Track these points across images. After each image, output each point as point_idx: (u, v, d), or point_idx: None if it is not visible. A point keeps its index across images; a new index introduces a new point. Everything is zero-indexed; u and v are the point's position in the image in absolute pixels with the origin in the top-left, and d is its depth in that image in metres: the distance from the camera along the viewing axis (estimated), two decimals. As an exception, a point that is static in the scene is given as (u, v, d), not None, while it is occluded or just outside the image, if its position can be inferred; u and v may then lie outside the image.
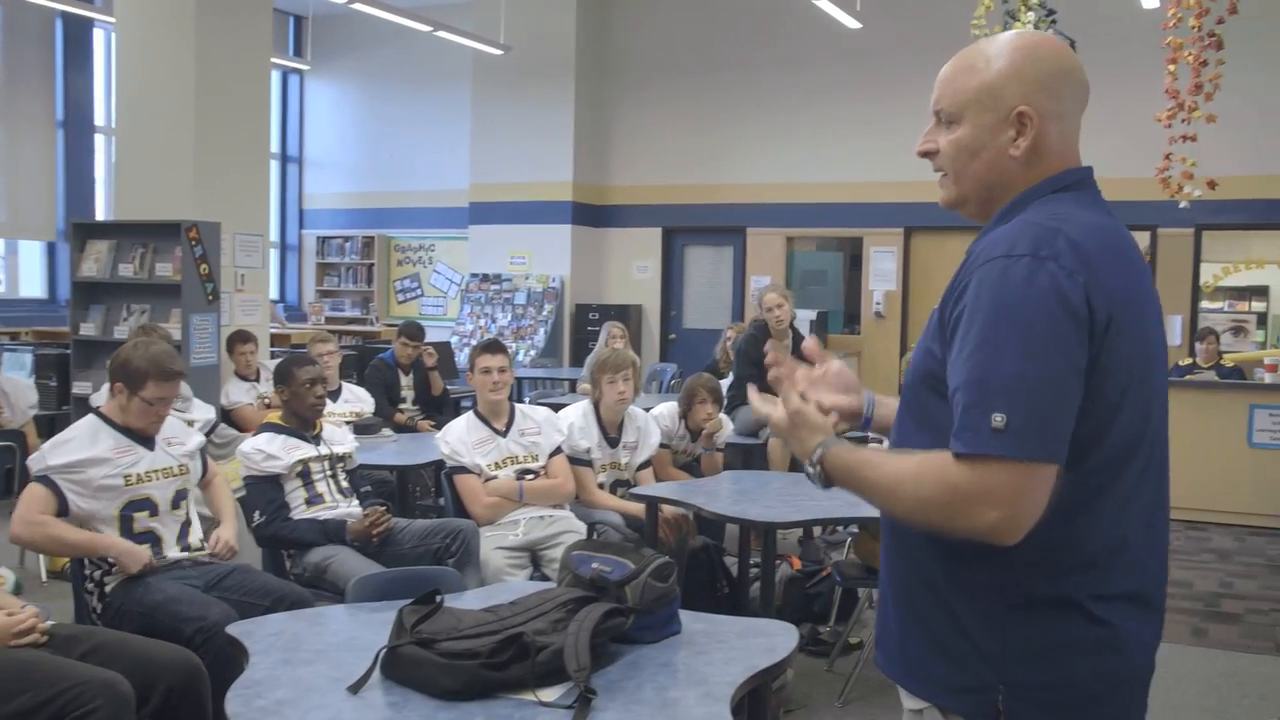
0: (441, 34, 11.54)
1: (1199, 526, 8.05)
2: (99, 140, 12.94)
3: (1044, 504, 1.51)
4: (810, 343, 1.96)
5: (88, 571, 3.76)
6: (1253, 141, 10.47)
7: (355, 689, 2.40)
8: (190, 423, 4.85)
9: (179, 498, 3.94)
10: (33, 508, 3.65)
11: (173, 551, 3.85)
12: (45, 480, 3.68)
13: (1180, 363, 9.50)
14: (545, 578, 4.51)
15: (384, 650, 2.48)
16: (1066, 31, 8.67)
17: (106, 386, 5.65)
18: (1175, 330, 11.20)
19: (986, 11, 7.49)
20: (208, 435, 5.86)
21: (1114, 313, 1.54)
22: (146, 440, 3.89)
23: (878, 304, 12.49)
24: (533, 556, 4.68)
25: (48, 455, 3.73)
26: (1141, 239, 11.82)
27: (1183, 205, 7.45)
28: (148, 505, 3.83)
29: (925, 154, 1.81)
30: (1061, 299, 1.50)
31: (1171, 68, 6.75)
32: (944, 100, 1.76)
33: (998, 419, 1.48)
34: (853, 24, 11.08)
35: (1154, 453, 1.68)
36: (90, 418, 3.92)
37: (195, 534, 3.99)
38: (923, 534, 1.64)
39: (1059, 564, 1.60)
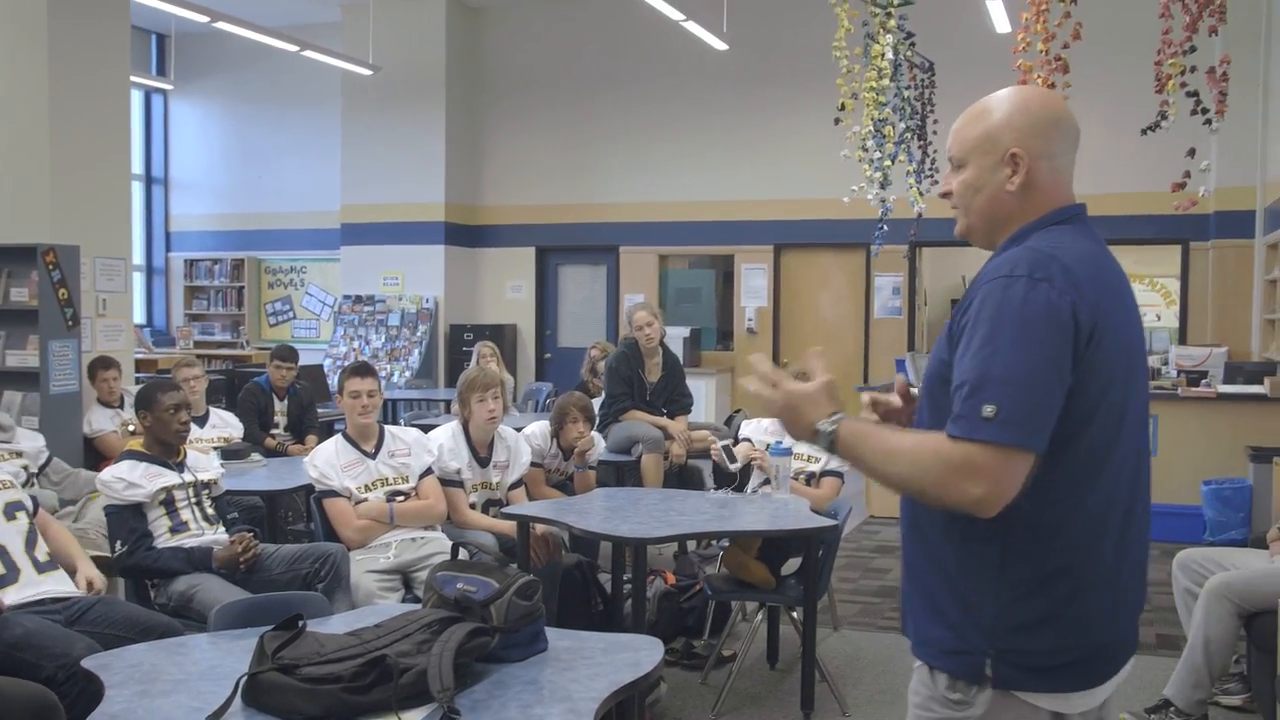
0: (309, 54, 11.41)
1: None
2: (-50, 161, 12.46)
3: (1019, 484, 1.77)
4: (813, 359, 2.08)
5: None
6: (1100, 161, 10.91)
7: (215, 718, 2.37)
8: (17, 454, 4.65)
9: (12, 509, 3.84)
10: None
11: (27, 569, 3.75)
12: None
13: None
14: (418, 599, 4.49)
15: (244, 677, 2.46)
16: (925, 54, 8.98)
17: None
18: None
19: (847, 34, 7.69)
20: (41, 470, 5.62)
21: (1097, 328, 1.82)
22: None
23: (750, 320, 12.69)
24: (405, 579, 4.66)
25: None
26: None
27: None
28: None
29: (945, 195, 2.10)
30: (1053, 314, 1.79)
31: (1022, 90, 7.00)
32: (954, 148, 2.06)
33: (989, 409, 1.75)
34: (720, 45, 11.27)
35: (1131, 449, 1.93)
36: None
37: (42, 548, 3.89)
38: (935, 518, 1.92)
39: (1047, 544, 1.86)
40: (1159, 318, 12.37)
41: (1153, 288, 12.36)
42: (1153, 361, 9.32)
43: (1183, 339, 11.15)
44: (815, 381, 1.99)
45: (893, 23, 7.78)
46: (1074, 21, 6.35)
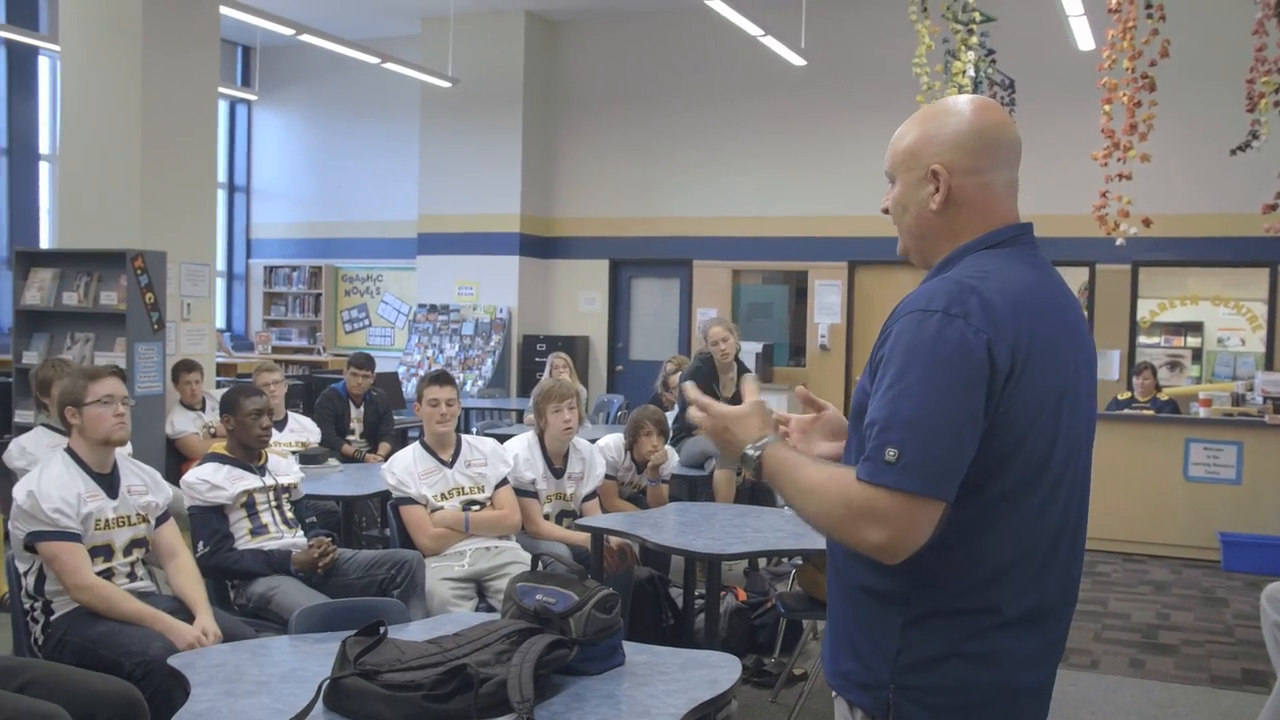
0: (390, 66, 11.57)
1: (1136, 559, 8.19)
2: (43, 168, 12.80)
3: (926, 533, 1.69)
4: (747, 384, 2.07)
5: (29, 605, 3.72)
6: (1186, 181, 10.72)
7: (298, 721, 2.40)
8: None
9: (133, 545, 3.89)
10: (81, 571, 3.60)
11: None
12: (71, 536, 3.62)
13: (1119, 396, 9.68)
14: (491, 609, 4.52)
15: (326, 682, 2.48)
16: (1006, 71, 8.89)
17: (38, 433, 5.60)
18: (1113, 365, 11.40)
19: (927, 51, 7.63)
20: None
21: (1018, 364, 1.71)
22: (112, 488, 3.84)
23: (822, 337, 12.61)
24: (478, 587, 4.69)
25: (46, 509, 3.61)
26: (1079, 275, 12.06)
27: (1119, 242, 7.61)
28: (104, 552, 3.78)
29: (885, 211, 2.01)
30: (966, 353, 1.69)
31: (1107, 108, 6.92)
32: (887, 163, 1.97)
33: (891, 454, 1.67)
34: (798, 61, 11.23)
35: (1059, 487, 1.82)
36: (61, 455, 3.84)
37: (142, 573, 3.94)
38: (847, 551, 1.83)
39: (955, 583, 1.78)
40: (1244, 342, 12.10)
41: (1238, 311, 12.09)
42: (1238, 388, 9.13)
43: (1269, 364, 10.90)
44: (746, 404, 1.94)
45: (974, 39, 7.72)
46: (1162, 39, 6.26)
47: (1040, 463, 1.78)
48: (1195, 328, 12.09)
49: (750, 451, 1.88)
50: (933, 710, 1.79)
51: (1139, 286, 11.50)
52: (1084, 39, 9.61)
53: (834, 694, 1.93)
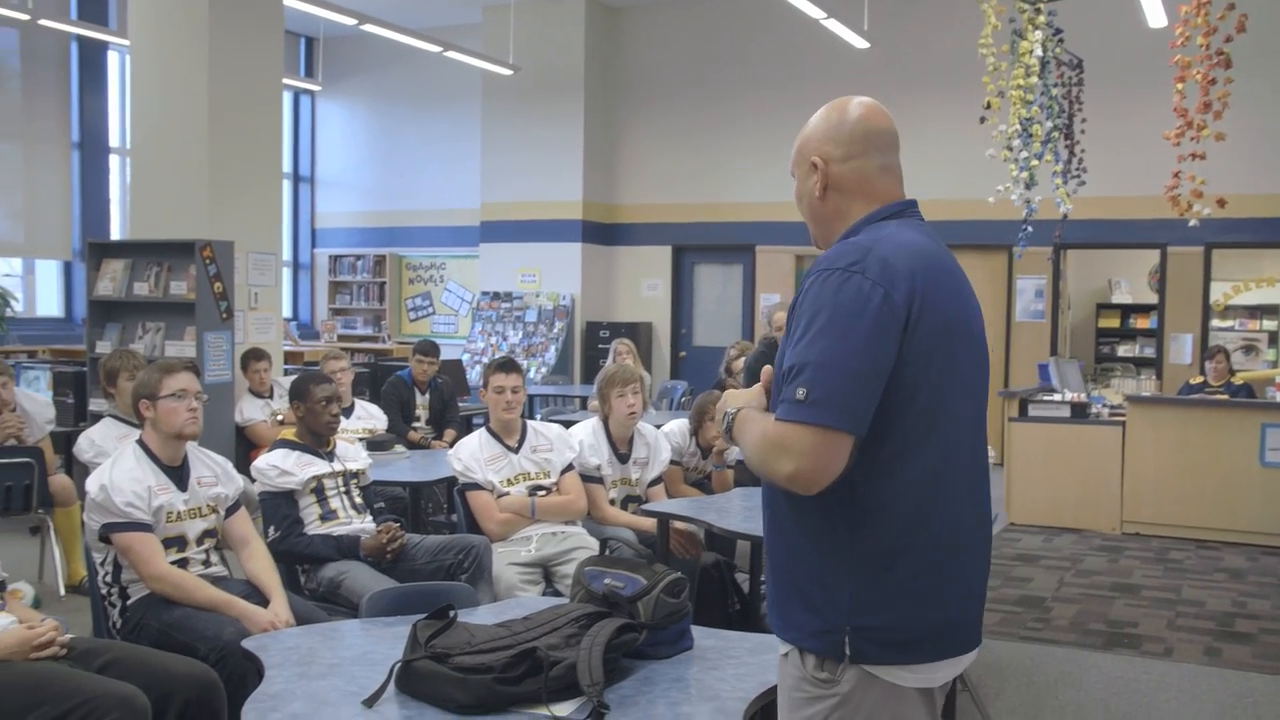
0: (451, 54, 11.62)
1: (1210, 546, 8.04)
2: (114, 161, 13.04)
3: (838, 465, 1.87)
4: (766, 370, 2.16)
5: (106, 590, 3.79)
6: (1262, 159, 10.49)
7: (370, 702, 2.42)
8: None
9: (206, 535, 3.94)
10: (154, 561, 3.65)
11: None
12: (143, 526, 3.68)
13: (1191, 381, 9.50)
14: (557, 594, 4.53)
15: (398, 664, 2.51)
16: (1074, 51, 8.73)
17: (106, 425, 5.70)
18: (1186, 349, 11.20)
19: (993, 31, 7.52)
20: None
21: (913, 313, 1.91)
22: (182, 480, 3.89)
23: (887, 322, 12.48)
24: (545, 572, 4.71)
25: (119, 501, 3.65)
26: (1150, 258, 11.84)
27: (1192, 223, 7.47)
28: (178, 542, 3.83)
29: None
30: (864, 303, 1.88)
31: (1180, 86, 6.78)
32: (789, 163, 2.22)
33: (800, 393, 1.86)
34: (861, 44, 11.13)
35: (962, 427, 2.02)
36: (133, 447, 3.90)
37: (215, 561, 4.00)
38: (786, 505, 2.02)
39: (886, 524, 1.94)
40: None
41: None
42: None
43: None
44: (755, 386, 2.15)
45: (1042, 19, 7.60)
46: (1238, 13, 6.11)
47: (940, 404, 1.96)
48: (1271, 310, 11.82)
49: (729, 409, 2.10)
50: (887, 646, 1.94)
51: (1212, 269, 11.27)
52: (1155, 16, 9.41)
53: (782, 651, 2.06)
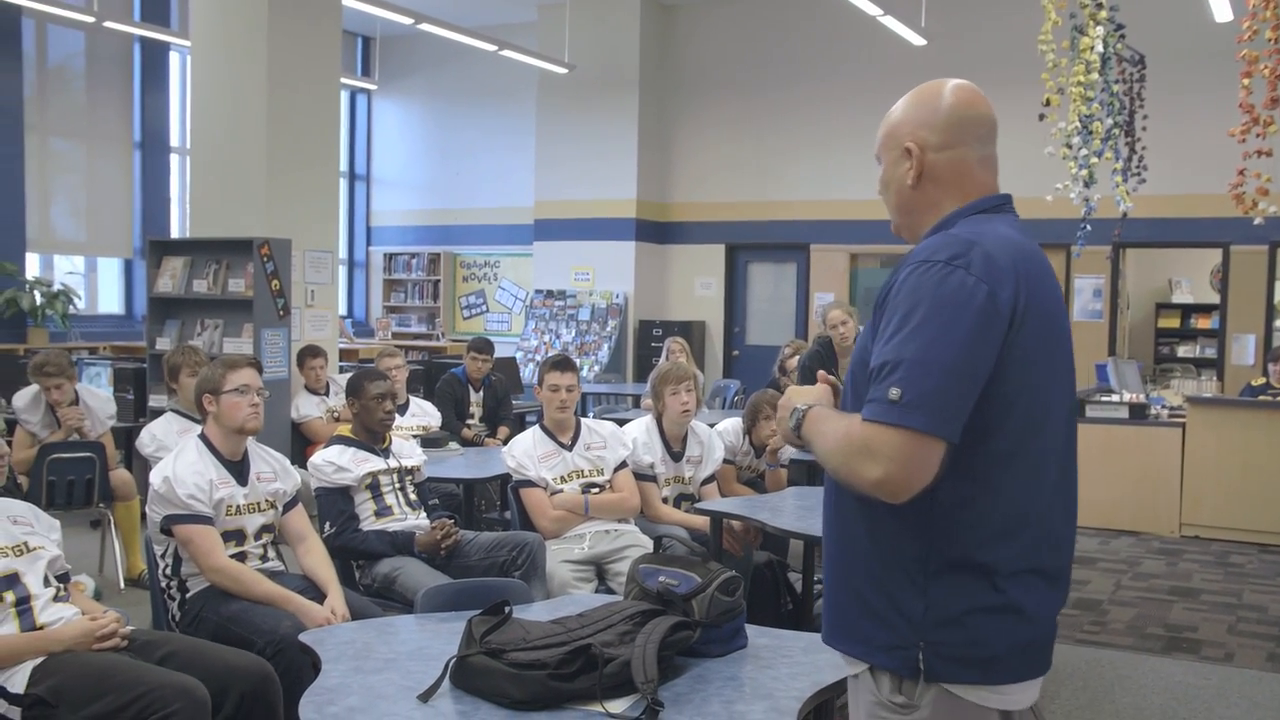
0: (506, 53, 11.67)
1: (1273, 550, 7.89)
2: (174, 160, 13.22)
3: (929, 472, 1.74)
4: (822, 373, 2.13)
5: (165, 583, 3.84)
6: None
7: (425, 697, 2.44)
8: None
9: (263, 530, 3.98)
10: (214, 553, 3.69)
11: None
12: (204, 519, 3.72)
13: (1253, 383, 9.32)
14: (610, 591, 4.53)
15: (454, 660, 2.52)
16: (1136, 46, 8.60)
17: (167, 419, 5.77)
18: (1249, 349, 11.00)
19: (1054, 27, 7.42)
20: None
21: (1017, 314, 1.79)
22: (242, 475, 3.94)
23: (943, 321, 12.38)
24: (598, 570, 4.71)
25: (181, 494, 3.70)
26: (1213, 256, 11.63)
27: (1257, 222, 7.32)
28: (236, 536, 3.88)
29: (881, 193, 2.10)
30: (967, 300, 1.76)
31: (1246, 81, 6.64)
32: (876, 147, 2.08)
33: (894, 393, 1.73)
34: (918, 40, 11.04)
35: (1058, 436, 1.91)
36: (195, 441, 3.95)
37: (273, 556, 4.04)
38: (855, 511, 1.90)
39: (970, 535, 1.82)
40: None
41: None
42: None
43: None
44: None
45: (1103, 14, 7.48)
46: (1308, 8, 5.99)
47: (1041, 413, 1.85)
48: (1337, 311, 11.58)
49: (800, 406, 1.98)
50: (963, 663, 1.82)
51: (1277, 268, 11.06)
52: (1221, 10, 9.25)
53: (853, 671, 1.94)
